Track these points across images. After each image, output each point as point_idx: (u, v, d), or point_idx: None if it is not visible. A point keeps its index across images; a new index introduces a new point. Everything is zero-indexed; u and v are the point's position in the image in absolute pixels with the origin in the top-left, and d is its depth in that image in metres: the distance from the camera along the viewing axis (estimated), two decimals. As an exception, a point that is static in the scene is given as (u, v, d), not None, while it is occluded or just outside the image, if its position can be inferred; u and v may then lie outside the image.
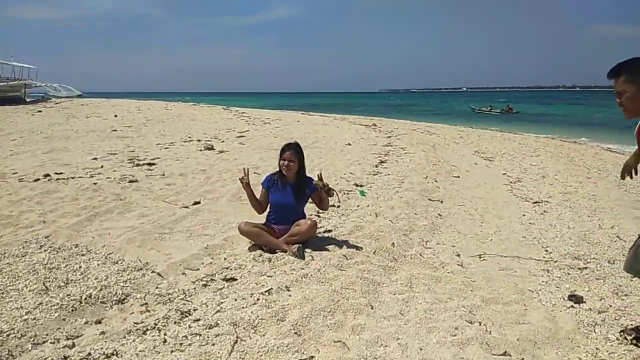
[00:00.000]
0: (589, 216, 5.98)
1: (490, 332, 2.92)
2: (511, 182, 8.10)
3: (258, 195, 4.25)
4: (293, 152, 4.08)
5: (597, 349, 2.88)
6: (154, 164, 8.07)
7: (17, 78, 36.48)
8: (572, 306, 3.46)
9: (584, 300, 3.56)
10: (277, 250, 3.91)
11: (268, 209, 4.26)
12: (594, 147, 15.50)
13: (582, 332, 3.08)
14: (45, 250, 3.78)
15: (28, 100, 33.99)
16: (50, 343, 2.56)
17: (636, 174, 2.96)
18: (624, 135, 20.93)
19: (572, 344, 2.92)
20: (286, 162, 4.06)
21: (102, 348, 2.48)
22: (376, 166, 8.55)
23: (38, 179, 6.51)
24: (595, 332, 3.10)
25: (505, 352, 2.72)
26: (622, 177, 3.00)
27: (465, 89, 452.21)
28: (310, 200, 4.26)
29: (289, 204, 4.11)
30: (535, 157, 11.46)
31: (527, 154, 11.98)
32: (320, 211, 4.84)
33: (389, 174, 7.79)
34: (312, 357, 2.51)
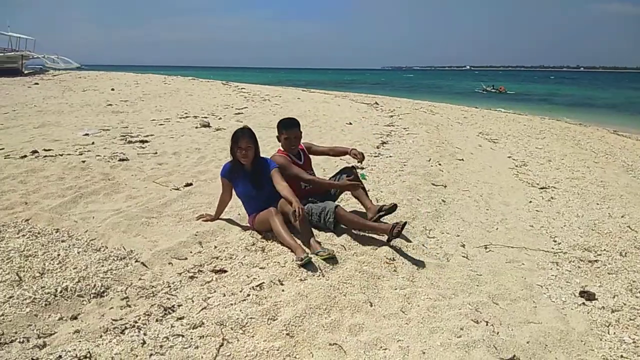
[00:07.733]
0: (597, 204, 5.74)
1: (497, 332, 2.73)
2: (517, 166, 7.84)
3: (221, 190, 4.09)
4: (248, 138, 3.80)
5: (611, 352, 2.68)
6: (146, 141, 7.78)
7: (14, 49, 35.76)
8: (583, 303, 3.27)
9: (596, 297, 3.37)
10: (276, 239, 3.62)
11: (241, 203, 4.06)
12: (599, 130, 15.18)
13: (595, 333, 2.89)
14: (24, 236, 3.52)
15: (26, 72, 33.39)
16: (19, 342, 2.34)
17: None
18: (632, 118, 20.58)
19: (585, 347, 2.74)
20: (243, 151, 3.79)
21: (74, 350, 2.26)
22: (377, 147, 8.25)
23: (25, 156, 6.25)
24: (609, 333, 2.91)
25: (514, 356, 2.53)
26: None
27: (468, 67, 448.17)
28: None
29: (252, 194, 3.89)
30: (540, 139, 11.16)
31: (533, 136, 11.68)
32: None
33: (390, 156, 7.51)
34: (305, 362, 2.30)
